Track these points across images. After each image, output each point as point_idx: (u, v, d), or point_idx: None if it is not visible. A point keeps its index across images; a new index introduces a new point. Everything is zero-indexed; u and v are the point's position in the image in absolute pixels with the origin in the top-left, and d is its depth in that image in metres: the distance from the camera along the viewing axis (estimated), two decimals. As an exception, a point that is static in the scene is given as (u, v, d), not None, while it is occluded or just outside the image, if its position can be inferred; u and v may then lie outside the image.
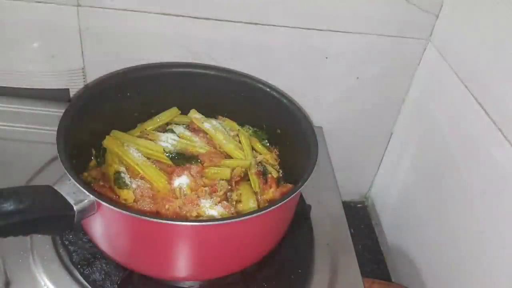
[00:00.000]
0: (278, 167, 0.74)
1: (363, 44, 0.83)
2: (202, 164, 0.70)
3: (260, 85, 0.74)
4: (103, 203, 0.51)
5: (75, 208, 0.51)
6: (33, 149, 0.77)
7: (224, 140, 0.74)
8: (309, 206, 0.74)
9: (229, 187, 0.68)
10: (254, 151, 0.75)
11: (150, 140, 0.72)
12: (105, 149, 0.70)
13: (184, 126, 0.76)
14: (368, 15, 0.80)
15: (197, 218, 0.62)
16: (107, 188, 0.64)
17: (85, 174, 0.66)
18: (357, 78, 0.88)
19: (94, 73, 0.85)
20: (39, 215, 0.50)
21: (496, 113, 0.65)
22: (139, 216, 0.51)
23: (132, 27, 0.80)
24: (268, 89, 0.74)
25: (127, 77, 0.73)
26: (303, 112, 0.70)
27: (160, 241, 0.55)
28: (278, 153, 0.76)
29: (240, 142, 0.75)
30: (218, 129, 0.76)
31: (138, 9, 0.78)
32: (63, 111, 0.62)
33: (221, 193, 0.66)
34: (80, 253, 0.62)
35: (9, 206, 0.48)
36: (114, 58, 0.83)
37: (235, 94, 0.76)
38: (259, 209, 0.61)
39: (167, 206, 0.62)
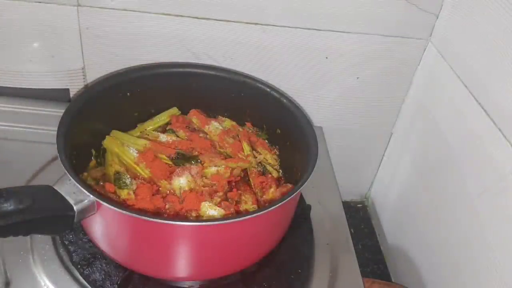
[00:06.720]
0: (278, 167, 0.74)
1: (363, 44, 0.83)
2: (202, 164, 0.70)
3: (260, 85, 0.74)
4: (103, 203, 0.51)
5: (75, 208, 0.52)
6: (33, 149, 0.77)
7: (224, 140, 0.74)
8: (309, 206, 0.74)
9: (229, 187, 0.68)
10: (254, 151, 0.75)
11: (150, 140, 0.72)
12: (105, 149, 0.70)
13: (184, 126, 0.76)
14: (368, 15, 0.80)
15: (197, 218, 0.62)
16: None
17: (85, 174, 0.66)
18: (357, 78, 0.88)
19: (94, 73, 0.85)
20: (39, 215, 0.50)
21: (496, 113, 0.65)
22: (139, 216, 0.51)
23: (132, 27, 0.79)
24: (268, 89, 0.74)
25: (127, 77, 0.73)
26: (303, 112, 0.70)
27: (160, 241, 0.55)
28: (278, 153, 0.76)
29: (240, 142, 0.75)
30: (218, 129, 0.76)
31: (138, 9, 0.78)
32: (63, 111, 0.62)
33: (221, 193, 0.66)
34: (80, 253, 0.62)
35: (9, 206, 0.48)
36: (114, 58, 0.83)
37: (235, 94, 0.76)
38: (259, 209, 0.61)
39: (167, 206, 0.62)
